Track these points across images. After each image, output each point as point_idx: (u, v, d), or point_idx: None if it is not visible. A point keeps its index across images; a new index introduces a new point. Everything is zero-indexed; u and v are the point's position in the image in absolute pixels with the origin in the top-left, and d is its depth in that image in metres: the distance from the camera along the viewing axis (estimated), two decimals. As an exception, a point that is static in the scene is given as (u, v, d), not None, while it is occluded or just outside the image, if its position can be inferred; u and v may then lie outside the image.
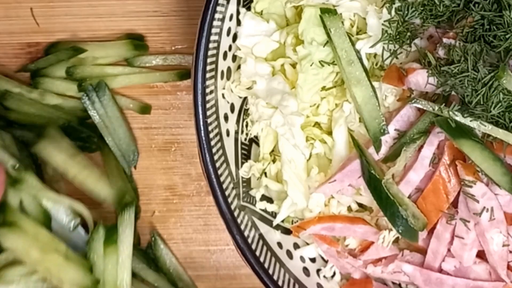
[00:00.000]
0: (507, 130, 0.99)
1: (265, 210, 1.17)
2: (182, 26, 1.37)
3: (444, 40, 1.03)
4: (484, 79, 0.98)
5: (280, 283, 1.10)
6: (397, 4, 1.07)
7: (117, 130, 1.32)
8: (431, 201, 1.05)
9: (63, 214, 1.26)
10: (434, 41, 1.04)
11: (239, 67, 1.16)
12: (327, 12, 1.07)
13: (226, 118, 1.14)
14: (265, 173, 1.18)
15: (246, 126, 1.18)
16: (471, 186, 1.02)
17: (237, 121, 1.18)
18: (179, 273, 1.34)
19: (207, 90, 1.08)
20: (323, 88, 1.12)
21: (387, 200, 1.07)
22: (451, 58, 1.01)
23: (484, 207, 1.02)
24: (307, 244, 1.20)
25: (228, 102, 1.15)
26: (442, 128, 1.01)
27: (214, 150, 1.08)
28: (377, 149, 1.07)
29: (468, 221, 1.05)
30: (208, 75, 1.08)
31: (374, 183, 1.07)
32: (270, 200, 1.18)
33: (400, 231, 1.08)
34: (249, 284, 1.35)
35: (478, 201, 1.02)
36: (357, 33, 1.08)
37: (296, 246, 1.19)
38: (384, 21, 1.07)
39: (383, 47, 1.08)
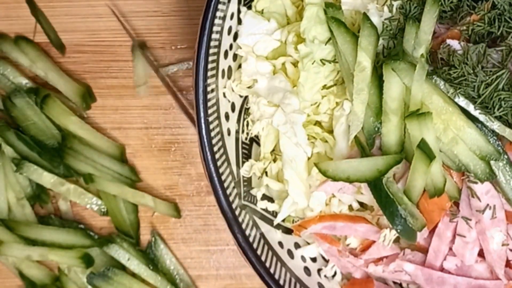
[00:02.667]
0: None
1: (266, 210, 1.17)
2: (182, 26, 1.37)
3: (448, 41, 1.03)
4: (487, 81, 0.98)
5: (281, 282, 1.09)
6: (398, 2, 1.07)
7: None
8: (433, 200, 1.05)
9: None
10: (438, 37, 1.04)
11: (240, 66, 1.16)
12: (331, 7, 1.07)
13: (227, 117, 1.14)
14: (266, 173, 1.18)
15: (247, 125, 1.18)
16: (476, 183, 1.01)
17: (238, 120, 1.18)
18: (179, 273, 1.33)
19: (208, 89, 1.08)
20: (324, 87, 1.12)
21: (386, 199, 1.07)
22: (451, 63, 1.01)
23: (487, 205, 1.02)
24: (308, 243, 1.20)
25: (229, 101, 1.15)
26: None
27: (215, 148, 1.08)
28: (370, 146, 1.07)
29: (470, 219, 1.05)
30: (209, 73, 1.08)
31: (374, 182, 1.07)
32: (271, 200, 1.18)
33: (398, 230, 1.08)
34: (249, 284, 1.35)
35: (480, 200, 1.02)
36: (358, 31, 1.07)
37: (297, 245, 1.19)
38: (385, 19, 1.07)
39: (383, 45, 1.08)
